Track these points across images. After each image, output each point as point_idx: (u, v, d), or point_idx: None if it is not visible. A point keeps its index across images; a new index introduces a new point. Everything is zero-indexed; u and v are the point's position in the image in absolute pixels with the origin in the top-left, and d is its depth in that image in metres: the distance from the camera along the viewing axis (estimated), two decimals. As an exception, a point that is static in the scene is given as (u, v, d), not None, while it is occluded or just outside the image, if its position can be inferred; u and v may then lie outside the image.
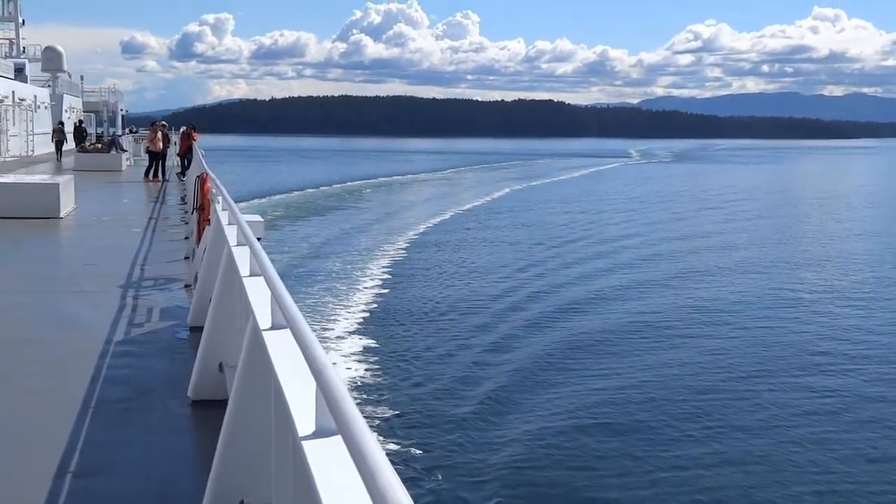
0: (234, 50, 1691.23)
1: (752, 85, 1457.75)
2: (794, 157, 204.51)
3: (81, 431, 6.31)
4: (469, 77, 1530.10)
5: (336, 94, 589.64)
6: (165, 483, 5.51)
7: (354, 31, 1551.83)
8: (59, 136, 48.65)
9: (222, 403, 5.19)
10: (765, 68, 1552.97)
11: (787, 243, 43.57)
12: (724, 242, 43.19)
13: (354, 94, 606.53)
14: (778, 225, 52.63)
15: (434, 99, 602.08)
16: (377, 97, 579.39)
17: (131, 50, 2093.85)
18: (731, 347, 22.47)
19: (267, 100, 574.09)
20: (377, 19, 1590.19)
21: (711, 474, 14.40)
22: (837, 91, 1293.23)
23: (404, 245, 40.78)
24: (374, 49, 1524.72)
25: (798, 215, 59.54)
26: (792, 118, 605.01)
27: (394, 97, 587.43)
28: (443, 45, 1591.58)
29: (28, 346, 8.87)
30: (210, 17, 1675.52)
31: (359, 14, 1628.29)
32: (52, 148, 55.87)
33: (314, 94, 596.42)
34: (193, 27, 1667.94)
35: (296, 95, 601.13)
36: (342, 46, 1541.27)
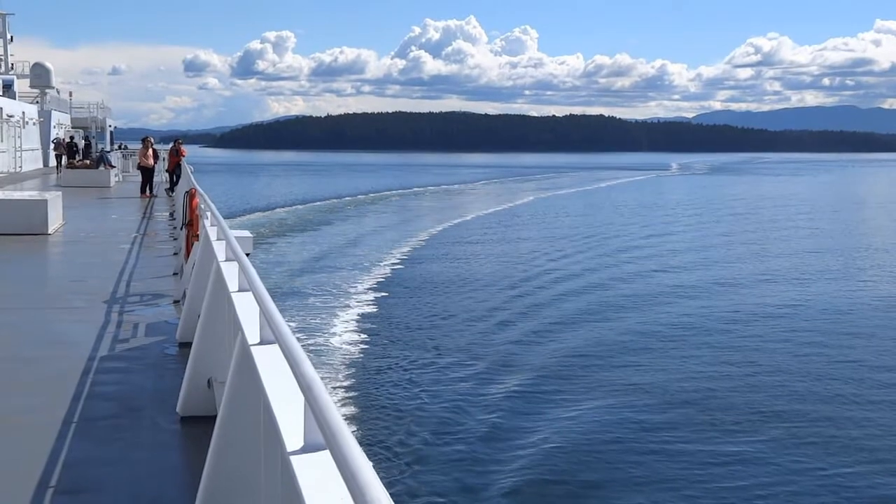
0: (295, 67, 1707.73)
1: (810, 98, 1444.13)
2: (830, 170, 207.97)
3: (69, 448, 6.27)
4: (527, 92, 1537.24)
5: (391, 111, 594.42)
6: (154, 500, 5.49)
7: (413, 47, 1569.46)
8: (59, 150, 49.24)
9: (211, 419, 5.18)
10: (825, 81, 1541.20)
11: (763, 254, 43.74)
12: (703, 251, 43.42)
13: (408, 111, 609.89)
14: (780, 237, 52.86)
15: (487, 115, 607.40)
16: (431, 113, 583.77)
17: (194, 68, 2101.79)
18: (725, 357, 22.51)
19: (323, 116, 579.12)
20: (435, 36, 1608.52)
21: (740, 480, 14.37)
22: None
23: (400, 257, 40.60)
24: (432, 65, 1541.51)
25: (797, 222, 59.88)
26: (843, 132, 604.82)
27: (447, 113, 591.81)
28: (501, 61, 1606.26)
29: (15, 362, 8.82)
30: (271, 35, 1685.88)
31: (417, 30, 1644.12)
32: (40, 164, 56.09)
33: (369, 111, 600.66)
34: (255, 45, 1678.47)
35: (351, 112, 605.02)
36: (401, 63, 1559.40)
